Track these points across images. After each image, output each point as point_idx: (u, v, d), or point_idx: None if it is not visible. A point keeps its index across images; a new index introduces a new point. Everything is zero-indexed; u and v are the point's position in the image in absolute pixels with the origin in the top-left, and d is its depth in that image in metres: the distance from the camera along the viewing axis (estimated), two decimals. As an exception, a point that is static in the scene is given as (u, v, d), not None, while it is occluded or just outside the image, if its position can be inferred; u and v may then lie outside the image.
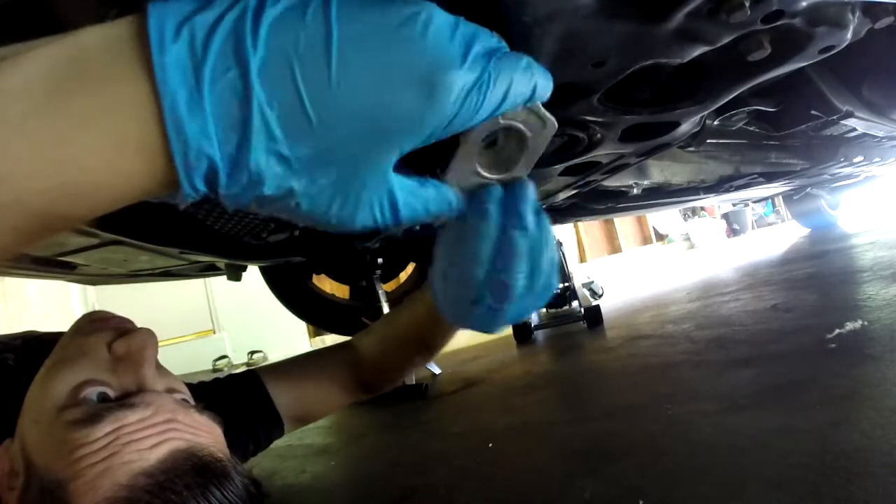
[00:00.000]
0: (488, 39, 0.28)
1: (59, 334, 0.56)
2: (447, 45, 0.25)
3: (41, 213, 0.23)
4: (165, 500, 0.39)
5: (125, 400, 0.46)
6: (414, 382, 2.02)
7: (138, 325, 0.53)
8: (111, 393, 0.46)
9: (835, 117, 1.15)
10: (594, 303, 2.59)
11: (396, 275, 2.19)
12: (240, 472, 0.46)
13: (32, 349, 0.63)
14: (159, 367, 0.51)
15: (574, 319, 2.53)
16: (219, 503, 0.42)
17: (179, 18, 0.22)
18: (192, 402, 0.51)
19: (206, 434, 0.47)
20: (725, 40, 0.55)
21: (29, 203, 0.23)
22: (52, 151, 0.22)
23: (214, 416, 0.50)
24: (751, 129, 1.32)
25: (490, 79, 0.27)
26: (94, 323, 0.53)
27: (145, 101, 0.22)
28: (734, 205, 5.79)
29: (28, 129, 0.22)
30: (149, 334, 0.50)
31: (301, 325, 4.45)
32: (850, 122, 1.23)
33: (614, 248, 6.98)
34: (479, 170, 0.35)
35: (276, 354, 4.29)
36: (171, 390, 0.51)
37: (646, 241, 7.27)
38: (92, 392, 0.45)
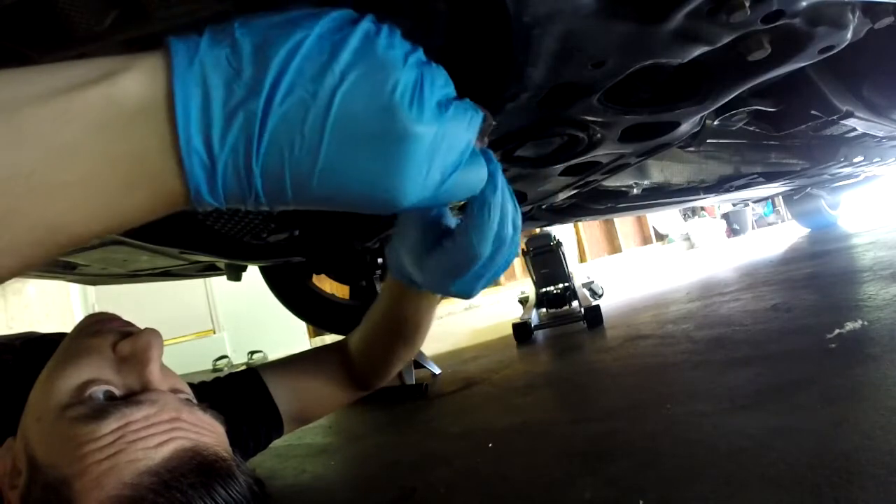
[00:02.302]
0: (459, 154, 0.32)
1: (59, 335, 0.56)
2: (420, 169, 0.30)
3: (56, 242, 0.27)
4: (170, 500, 0.40)
5: (131, 398, 0.46)
6: (414, 382, 2.02)
7: (139, 325, 0.53)
8: (116, 392, 0.46)
9: (835, 117, 1.15)
10: (594, 303, 2.59)
11: (396, 275, 2.19)
12: (244, 472, 0.46)
13: (32, 350, 0.63)
14: (163, 368, 0.51)
15: (574, 319, 2.53)
16: (224, 502, 0.42)
17: (202, 101, 0.26)
18: (195, 401, 0.51)
19: (209, 433, 0.47)
20: (725, 40, 0.55)
21: (49, 234, 0.26)
22: (73, 192, 0.26)
23: (217, 416, 0.50)
24: (751, 129, 1.32)
25: (447, 192, 0.32)
26: (98, 324, 0.53)
27: (172, 168, 0.27)
28: (734, 205, 5.79)
29: (51, 173, 0.25)
30: (154, 334, 0.50)
31: (301, 325, 4.45)
32: (850, 122, 1.23)
33: (614, 248, 6.98)
34: None
35: (276, 354, 4.28)
36: (175, 390, 0.51)
37: (646, 241, 7.27)
38: (97, 390, 0.45)
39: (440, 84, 0.31)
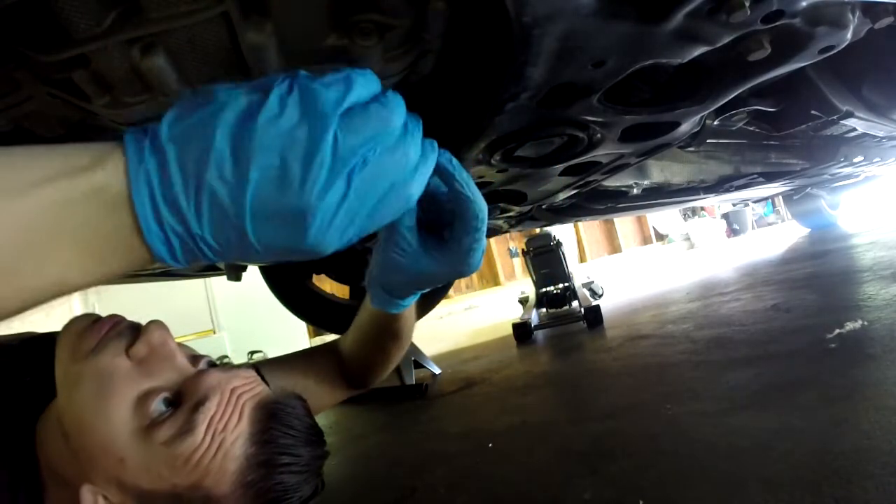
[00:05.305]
0: (378, 199, 0.35)
1: (57, 334, 0.55)
2: (330, 230, 0.33)
3: (56, 292, 0.34)
4: (270, 452, 0.48)
5: (190, 398, 0.48)
6: (414, 382, 2.02)
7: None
8: (168, 394, 0.48)
9: (835, 117, 1.15)
10: (594, 303, 2.59)
11: (396, 275, 2.19)
12: (291, 395, 0.54)
13: (31, 349, 0.63)
14: (178, 346, 0.52)
15: (574, 319, 2.53)
16: (301, 427, 0.52)
17: (150, 197, 0.31)
18: (211, 358, 0.55)
19: (253, 380, 0.52)
20: (725, 40, 0.55)
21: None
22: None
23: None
24: (751, 129, 1.32)
25: (372, 226, 0.36)
26: (89, 338, 0.50)
27: (142, 244, 0.32)
28: (734, 205, 5.79)
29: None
30: (161, 326, 0.51)
31: (301, 325, 4.45)
32: (850, 122, 1.23)
33: (614, 248, 6.98)
34: None
35: (275, 354, 4.28)
36: (194, 359, 0.53)
37: (646, 241, 7.27)
38: (157, 404, 0.47)
39: (356, 144, 0.32)
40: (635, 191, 1.40)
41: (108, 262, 0.33)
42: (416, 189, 0.37)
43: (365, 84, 0.34)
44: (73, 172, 0.31)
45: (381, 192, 0.34)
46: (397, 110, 0.35)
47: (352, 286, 2.04)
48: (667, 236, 7.13)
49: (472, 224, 0.47)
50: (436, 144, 0.39)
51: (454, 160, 0.45)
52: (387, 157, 0.34)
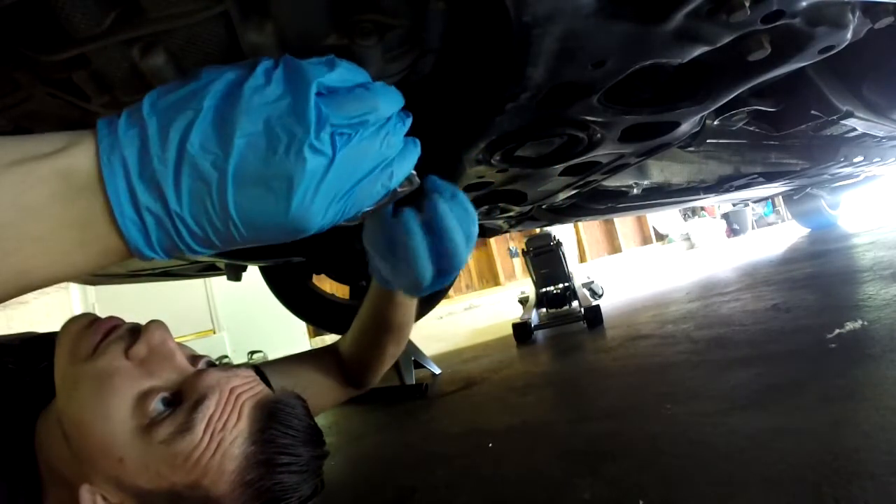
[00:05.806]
0: (364, 173, 0.35)
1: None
2: (314, 201, 0.33)
3: (21, 285, 0.31)
4: (270, 452, 0.48)
5: (189, 397, 0.48)
6: (414, 382, 2.02)
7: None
8: (167, 394, 0.48)
9: (835, 117, 1.15)
10: (594, 303, 2.59)
11: (396, 275, 2.18)
12: (290, 395, 0.54)
13: (32, 349, 0.63)
14: (178, 346, 0.52)
15: (574, 319, 2.53)
16: (300, 426, 0.51)
17: (124, 176, 0.30)
18: (210, 359, 0.55)
19: (253, 380, 0.52)
20: (725, 40, 0.55)
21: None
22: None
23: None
24: (751, 129, 1.32)
25: (354, 206, 0.36)
26: (88, 339, 0.49)
27: (114, 231, 0.31)
28: (734, 205, 5.79)
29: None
30: (161, 326, 0.51)
31: (301, 325, 4.45)
32: (850, 122, 1.23)
33: (614, 248, 6.97)
34: None
35: (275, 354, 4.26)
36: (194, 359, 0.53)
37: (646, 241, 7.26)
38: (156, 403, 0.47)
39: (340, 119, 0.33)
40: (635, 191, 1.40)
41: (77, 253, 0.31)
42: (397, 176, 0.37)
43: (350, 70, 0.35)
44: (40, 157, 0.30)
45: (362, 173, 0.35)
46: (384, 98, 0.35)
47: (352, 286, 2.03)
48: (667, 236, 7.13)
49: (448, 272, 0.53)
50: (418, 142, 0.40)
51: (466, 217, 0.51)
52: (370, 139, 0.34)
